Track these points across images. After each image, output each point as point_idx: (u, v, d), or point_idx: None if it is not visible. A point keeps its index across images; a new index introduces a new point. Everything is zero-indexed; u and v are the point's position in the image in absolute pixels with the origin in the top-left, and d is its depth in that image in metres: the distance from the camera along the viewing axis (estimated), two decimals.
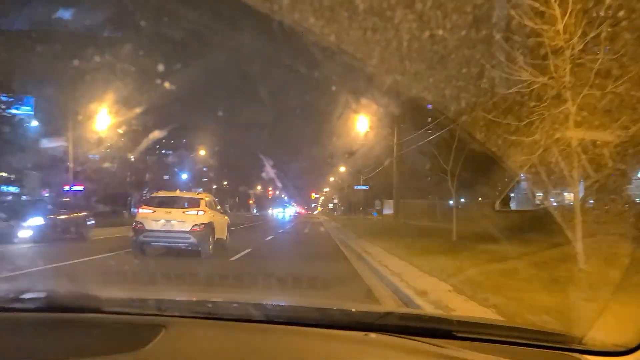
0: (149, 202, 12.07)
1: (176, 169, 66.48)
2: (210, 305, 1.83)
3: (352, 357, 1.45)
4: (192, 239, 10.99)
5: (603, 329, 1.74)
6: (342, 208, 76.79)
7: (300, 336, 1.55)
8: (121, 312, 1.72)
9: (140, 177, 41.83)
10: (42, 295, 1.83)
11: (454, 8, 7.59)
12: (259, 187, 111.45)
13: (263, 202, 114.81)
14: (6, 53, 25.38)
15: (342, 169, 54.60)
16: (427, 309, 5.12)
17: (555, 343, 1.54)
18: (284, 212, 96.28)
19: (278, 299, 2.42)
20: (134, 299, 1.88)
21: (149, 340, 1.46)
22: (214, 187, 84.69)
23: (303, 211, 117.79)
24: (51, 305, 1.74)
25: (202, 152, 70.12)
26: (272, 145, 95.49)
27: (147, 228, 11.05)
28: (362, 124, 31.36)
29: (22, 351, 1.49)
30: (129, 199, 43.49)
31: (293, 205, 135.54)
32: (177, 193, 13.84)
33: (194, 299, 2.02)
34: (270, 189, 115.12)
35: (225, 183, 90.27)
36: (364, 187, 50.80)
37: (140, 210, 11.72)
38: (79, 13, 30.20)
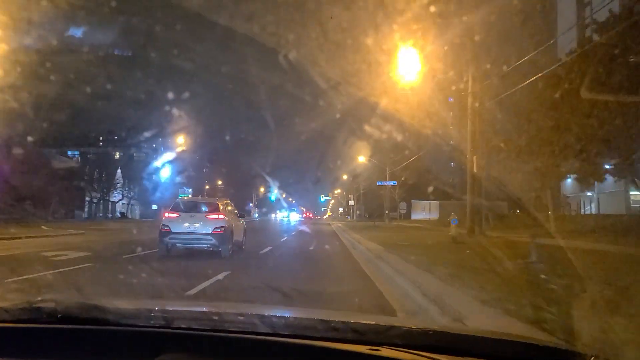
0: (174, 207, 12.81)
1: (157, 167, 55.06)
2: (216, 317, 1.81)
3: None
4: (214, 241, 11.87)
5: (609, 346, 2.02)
6: (358, 212, 63.76)
7: (304, 350, 1.56)
8: (128, 324, 1.72)
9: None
10: (49, 305, 1.80)
11: None
12: (262, 189, 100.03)
13: (266, 205, 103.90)
14: None
15: (361, 158, 41.21)
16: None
17: (561, 358, 1.56)
18: (289, 217, 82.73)
19: (283, 311, 2.40)
20: (140, 310, 1.87)
21: (155, 354, 1.51)
22: (206, 187, 72.85)
23: (311, 215, 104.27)
24: (58, 317, 1.74)
25: (183, 148, 58.12)
26: (278, 141, 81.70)
27: (173, 230, 11.90)
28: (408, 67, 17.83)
29: None
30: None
31: (301, 210, 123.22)
32: (199, 199, 15.81)
33: (200, 310, 2.05)
34: (276, 190, 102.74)
35: (219, 182, 77.68)
36: (390, 183, 37.66)
37: (167, 214, 12.52)
38: None
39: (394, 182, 38.77)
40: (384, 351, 1.49)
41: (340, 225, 39.60)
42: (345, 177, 64.01)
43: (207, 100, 66.79)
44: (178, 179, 67.84)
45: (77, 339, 1.67)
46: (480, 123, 16.64)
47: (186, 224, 11.90)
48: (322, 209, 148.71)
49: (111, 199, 55.13)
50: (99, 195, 49.16)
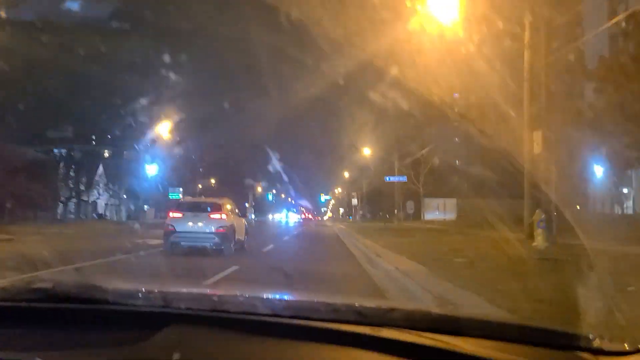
0: (178, 207, 13.40)
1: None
2: (215, 298, 1.77)
3: (362, 351, 1.44)
4: (217, 239, 12.11)
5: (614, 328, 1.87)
6: (361, 212, 59.04)
7: (306, 330, 1.53)
8: (126, 303, 1.68)
9: None
10: (47, 285, 1.76)
11: None
12: (259, 189, 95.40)
13: (263, 206, 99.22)
14: None
15: (367, 151, 36.45)
16: None
17: (565, 342, 1.50)
18: (287, 218, 77.86)
19: (284, 294, 2.33)
20: (139, 291, 1.79)
21: (153, 334, 1.48)
22: (200, 186, 68.19)
23: (311, 217, 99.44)
24: (56, 296, 1.69)
25: (172, 145, 53.70)
26: (277, 139, 76.26)
27: (177, 230, 12.28)
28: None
29: (25, 342, 1.51)
30: None
31: (300, 210, 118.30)
32: (202, 199, 16.56)
33: (200, 292, 2.01)
34: (274, 191, 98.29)
35: (212, 181, 72.91)
36: (399, 178, 32.91)
37: (171, 214, 12.92)
38: None
39: (403, 177, 33.99)
40: (386, 332, 1.51)
41: (342, 227, 34.81)
42: (347, 174, 59.39)
43: (201, 95, 62.27)
44: (164, 177, 63.48)
45: (74, 318, 1.66)
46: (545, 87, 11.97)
47: (190, 223, 12.31)
48: (323, 210, 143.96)
49: (91, 199, 50.48)
50: (74, 195, 44.29)
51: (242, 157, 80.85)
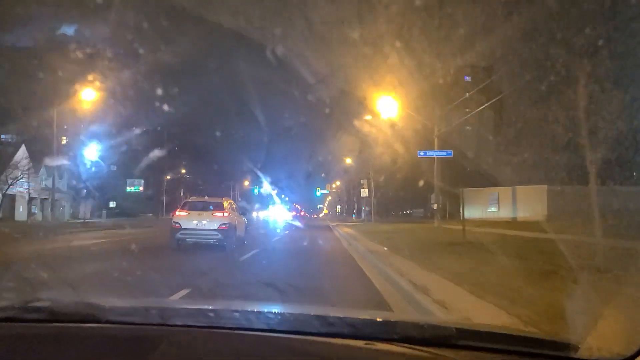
0: (184, 206, 13.98)
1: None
2: (212, 314, 1.83)
3: None
4: (220, 236, 13.04)
5: (600, 337, 1.83)
6: (366, 209, 46.17)
7: (301, 346, 1.55)
8: (124, 322, 1.73)
9: None
10: (45, 304, 1.84)
11: None
12: (246, 183, 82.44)
13: (250, 202, 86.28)
14: None
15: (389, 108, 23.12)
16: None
17: (554, 351, 1.55)
18: (275, 216, 64.72)
19: (279, 307, 2.40)
20: (136, 308, 1.89)
21: (151, 351, 1.49)
22: (166, 178, 55.06)
23: (302, 213, 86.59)
24: (54, 316, 1.75)
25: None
26: (264, 125, 61.03)
27: (183, 227, 13.10)
28: None
29: None
30: None
31: (295, 207, 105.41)
32: (206, 199, 16.75)
33: (196, 307, 2.06)
34: (263, 186, 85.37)
35: (183, 172, 59.78)
36: (442, 153, 20.09)
37: (177, 212, 13.63)
38: None
39: (449, 152, 21.14)
40: (380, 345, 1.51)
41: (350, 231, 21.74)
42: (349, 161, 46.37)
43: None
44: (121, 168, 50.44)
45: (73, 337, 1.67)
46: None
47: (195, 221, 13.16)
48: (319, 207, 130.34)
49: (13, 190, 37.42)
50: None
51: (223, 145, 67.75)
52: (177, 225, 13.07)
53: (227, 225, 13.15)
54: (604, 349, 1.54)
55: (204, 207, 13.81)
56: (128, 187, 52.92)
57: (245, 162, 67.09)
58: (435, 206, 22.30)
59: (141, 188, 52.85)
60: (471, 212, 29.24)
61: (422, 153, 21.31)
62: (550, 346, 1.59)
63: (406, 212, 48.73)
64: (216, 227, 12.96)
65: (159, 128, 54.63)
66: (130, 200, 58.30)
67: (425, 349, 1.47)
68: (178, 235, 12.97)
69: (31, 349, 1.56)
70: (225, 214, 13.40)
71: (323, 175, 72.25)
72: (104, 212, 44.08)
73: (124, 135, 48.74)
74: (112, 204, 62.02)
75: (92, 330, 1.66)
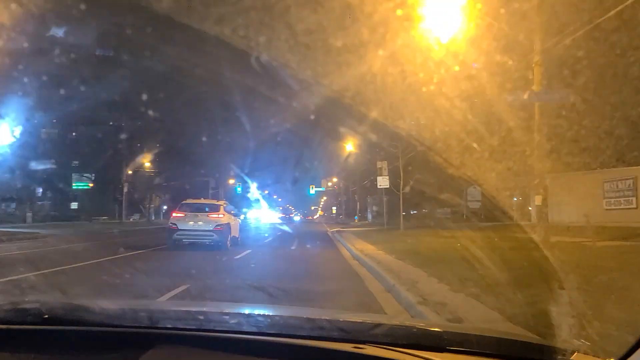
0: (181, 208, 14.18)
1: None
2: (201, 317, 1.78)
3: None
4: (215, 236, 13.36)
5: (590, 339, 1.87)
6: (375, 209, 36.02)
7: (289, 349, 1.54)
8: (113, 324, 1.67)
9: None
10: (34, 306, 1.79)
11: None
12: (231, 181, 71.92)
13: (233, 202, 75.72)
14: None
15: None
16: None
17: (542, 355, 1.54)
18: (260, 218, 54.32)
19: (269, 310, 2.34)
20: (125, 310, 1.82)
21: (139, 354, 1.47)
22: (129, 171, 44.47)
23: (291, 215, 76.41)
24: (42, 318, 1.70)
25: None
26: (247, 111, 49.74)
27: (180, 228, 13.44)
28: None
29: None
30: None
31: (288, 208, 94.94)
32: (202, 201, 16.97)
33: (185, 310, 2.00)
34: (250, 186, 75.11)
35: (146, 164, 48.83)
36: (554, 97, 9.50)
37: (174, 214, 14.00)
38: None
39: (562, 93, 10.85)
40: (369, 349, 1.50)
41: (379, 257, 10.98)
42: (351, 147, 36.02)
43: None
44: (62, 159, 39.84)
45: (62, 340, 1.66)
46: None
47: (191, 222, 13.47)
48: (313, 208, 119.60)
49: None
50: None
51: (199, 133, 56.97)
52: (174, 226, 13.46)
53: (223, 226, 13.55)
54: (590, 353, 1.54)
55: (200, 209, 14.18)
56: (75, 183, 42.51)
57: (227, 156, 56.72)
58: (539, 201, 11.81)
59: (90, 184, 42.54)
60: (570, 210, 18.29)
61: (511, 98, 10.95)
62: (538, 350, 1.58)
63: (412, 212, 35.89)
64: (212, 228, 13.33)
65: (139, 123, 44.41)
66: (80, 200, 47.91)
67: (415, 352, 1.46)
68: (175, 235, 13.36)
69: (18, 352, 1.56)
70: (221, 215, 13.77)
71: (317, 163, 62.02)
72: (29, 215, 33.38)
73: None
74: (74, 205, 51.74)
75: (79, 333, 1.65)
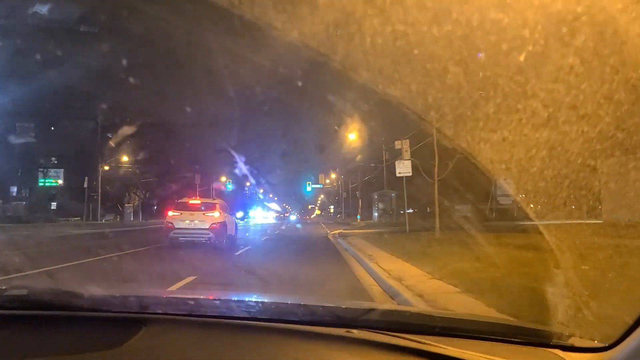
0: (177, 207, 14.15)
1: None
2: (192, 302, 1.78)
3: (334, 354, 1.44)
4: (211, 235, 13.30)
5: (582, 325, 1.84)
6: (381, 206, 31.39)
7: (282, 333, 1.52)
8: (101, 309, 1.66)
9: None
10: (21, 292, 1.75)
11: None
12: (223, 179, 66.97)
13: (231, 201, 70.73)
14: None
15: None
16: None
17: (536, 339, 1.53)
18: (250, 217, 49.96)
19: (260, 296, 2.22)
20: (115, 296, 1.78)
21: (128, 339, 1.45)
22: (103, 168, 39.62)
23: (294, 215, 72.05)
24: (30, 303, 1.69)
25: None
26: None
27: (176, 227, 13.40)
28: None
29: None
30: None
31: (285, 209, 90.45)
32: (198, 199, 16.35)
33: (176, 296, 2.01)
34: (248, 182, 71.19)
35: (123, 159, 43.53)
36: None
37: (170, 213, 13.87)
38: None
39: None
40: (361, 333, 1.48)
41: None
42: (352, 136, 31.30)
43: None
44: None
45: (49, 326, 1.62)
46: None
47: (187, 221, 13.40)
48: (310, 207, 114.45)
49: None
50: None
51: (187, 126, 51.88)
52: (169, 225, 13.44)
53: (219, 224, 13.52)
54: (586, 337, 1.51)
55: (196, 208, 14.13)
56: (41, 181, 37.35)
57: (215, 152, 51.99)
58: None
59: (60, 181, 37.34)
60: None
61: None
62: (533, 334, 1.56)
63: (411, 210, 29.64)
64: (207, 227, 13.31)
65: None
66: (50, 198, 42.79)
67: (407, 336, 1.44)
68: (171, 234, 13.31)
69: (7, 337, 1.54)
70: (216, 214, 13.74)
71: (315, 159, 57.46)
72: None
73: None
74: (53, 205, 46.56)
75: (67, 318, 1.63)
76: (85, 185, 31.40)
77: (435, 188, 14.05)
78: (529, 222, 15.69)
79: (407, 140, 14.63)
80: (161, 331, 1.51)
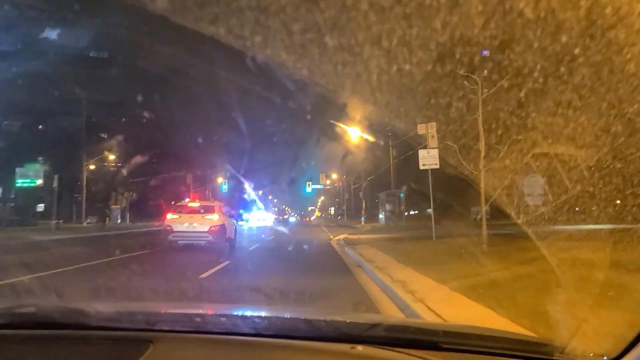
0: (175, 209, 14.28)
1: None
2: (198, 319, 1.78)
3: None
4: (210, 238, 13.14)
5: (585, 339, 1.80)
6: (389, 209, 28.66)
7: (287, 350, 1.52)
8: (109, 327, 1.67)
9: None
10: (30, 310, 1.78)
11: None
12: (219, 180, 64.08)
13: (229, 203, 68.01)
14: None
15: None
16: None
17: (539, 353, 1.52)
18: (247, 219, 47.48)
19: (266, 311, 2.32)
20: (122, 313, 1.81)
21: (136, 357, 1.44)
22: (91, 167, 36.79)
23: (294, 217, 69.65)
24: (39, 322, 1.69)
25: None
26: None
27: (174, 230, 13.29)
28: None
29: None
30: None
31: (285, 210, 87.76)
32: (197, 202, 16.27)
33: (182, 312, 1.99)
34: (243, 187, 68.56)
35: (111, 158, 40.47)
36: None
37: (169, 215, 13.75)
38: None
39: None
40: (365, 349, 1.46)
41: None
42: (357, 131, 28.59)
43: None
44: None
45: (58, 344, 1.61)
46: None
47: (186, 224, 13.30)
48: (310, 209, 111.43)
49: None
50: None
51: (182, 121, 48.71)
52: (168, 228, 13.32)
53: (218, 227, 13.31)
54: (586, 350, 1.49)
55: (195, 210, 14.02)
56: (17, 180, 34.39)
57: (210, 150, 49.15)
58: None
59: (39, 181, 34.26)
60: None
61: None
62: (534, 347, 1.56)
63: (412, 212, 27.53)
64: (206, 230, 13.14)
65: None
66: (38, 199, 39.89)
67: (412, 352, 1.43)
68: (170, 237, 13.19)
69: (15, 356, 1.52)
70: (215, 217, 13.58)
71: (315, 158, 54.60)
72: None
73: None
74: (40, 208, 43.55)
75: (77, 336, 1.63)
76: (55, 184, 28.37)
77: (482, 178, 11.02)
78: (564, 227, 13.04)
79: (434, 124, 11.53)
80: (169, 349, 1.50)
